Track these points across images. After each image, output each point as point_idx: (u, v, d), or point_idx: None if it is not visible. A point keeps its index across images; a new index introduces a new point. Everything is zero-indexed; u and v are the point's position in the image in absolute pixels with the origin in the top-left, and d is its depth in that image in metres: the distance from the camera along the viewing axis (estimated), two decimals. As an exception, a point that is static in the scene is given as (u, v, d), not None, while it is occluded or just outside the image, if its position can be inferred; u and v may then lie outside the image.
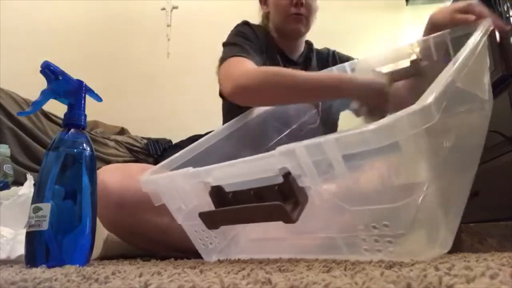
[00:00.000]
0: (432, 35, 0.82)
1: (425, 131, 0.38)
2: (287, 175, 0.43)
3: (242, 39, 1.01)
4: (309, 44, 1.17)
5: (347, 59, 1.12)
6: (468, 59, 0.52)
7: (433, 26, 0.83)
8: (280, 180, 0.43)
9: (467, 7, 0.76)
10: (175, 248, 0.74)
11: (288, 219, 0.42)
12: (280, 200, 0.42)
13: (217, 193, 0.50)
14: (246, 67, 0.89)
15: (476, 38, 0.59)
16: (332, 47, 1.19)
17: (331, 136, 0.40)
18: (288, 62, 1.10)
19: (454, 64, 0.47)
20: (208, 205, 0.51)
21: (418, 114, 0.36)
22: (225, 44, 1.03)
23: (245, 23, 1.09)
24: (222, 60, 0.97)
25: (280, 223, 0.43)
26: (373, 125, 0.37)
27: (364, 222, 0.43)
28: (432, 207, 0.41)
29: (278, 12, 1.07)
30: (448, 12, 0.79)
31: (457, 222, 0.48)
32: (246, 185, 0.47)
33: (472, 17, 0.73)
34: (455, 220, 0.47)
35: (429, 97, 0.37)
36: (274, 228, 0.53)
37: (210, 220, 0.50)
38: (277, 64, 1.06)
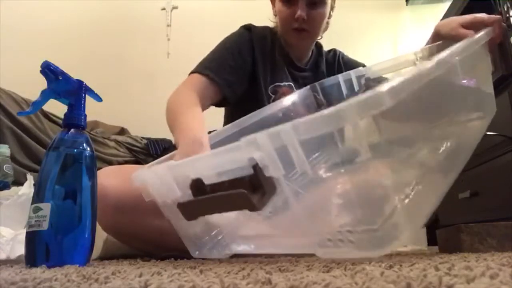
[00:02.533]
0: (437, 43, 0.82)
1: (377, 122, 0.38)
2: (255, 166, 0.44)
3: (223, 51, 1.00)
4: (318, 48, 1.15)
5: (352, 64, 1.11)
6: (451, 57, 0.53)
7: (437, 37, 0.84)
8: (251, 171, 0.44)
9: (472, 21, 0.77)
10: (174, 250, 0.74)
11: (252, 207, 0.43)
12: (249, 190, 0.43)
13: (196, 185, 0.51)
14: (185, 88, 0.94)
15: (469, 40, 0.60)
16: (333, 47, 1.19)
17: (288, 123, 0.40)
18: (294, 69, 1.08)
19: (433, 61, 0.48)
20: (189, 198, 0.52)
21: (367, 100, 0.37)
22: (211, 51, 1.03)
23: (246, 28, 1.07)
24: (191, 71, 0.99)
25: (265, 220, 0.44)
26: (325, 111, 0.38)
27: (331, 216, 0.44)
28: (403, 211, 0.41)
29: (281, 23, 1.05)
30: (453, 25, 0.79)
31: (425, 219, 0.48)
32: (225, 178, 0.48)
33: (473, 33, 0.74)
34: (424, 219, 0.47)
35: (385, 86, 0.38)
36: (260, 225, 0.54)
37: (186, 209, 0.51)
38: (280, 68, 1.05)
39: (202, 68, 0.97)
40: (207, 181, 0.50)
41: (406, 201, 0.42)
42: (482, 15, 0.77)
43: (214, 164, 0.49)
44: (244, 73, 1.01)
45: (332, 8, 1.06)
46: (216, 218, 0.57)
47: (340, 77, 1.01)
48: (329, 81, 1.02)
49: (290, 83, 1.05)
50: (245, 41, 1.03)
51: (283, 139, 0.41)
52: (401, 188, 0.42)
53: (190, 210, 0.51)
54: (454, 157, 0.57)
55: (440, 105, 0.57)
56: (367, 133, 0.39)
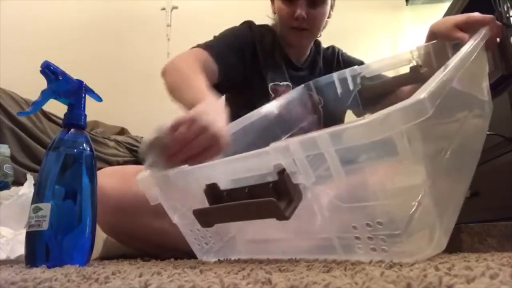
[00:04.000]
0: (432, 42, 0.83)
1: (420, 131, 0.37)
2: (281, 172, 0.42)
3: (224, 38, 1.00)
4: (316, 46, 1.14)
5: (350, 61, 1.11)
6: (464, 62, 0.53)
7: (432, 36, 0.84)
8: (275, 177, 0.43)
9: (467, 21, 0.77)
10: (175, 251, 0.74)
11: (281, 216, 0.41)
12: (274, 197, 0.42)
13: (211, 191, 0.49)
14: (188, 57, 0.91)
15: (472, 44, 0.60)
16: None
17: (325, 131, 0.40)
18: (292, 68, 1.08)
19: (447, 67, 0.47)
20: (203, 204, 0.50)
21: (411, 108, 0.36)
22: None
23: (247, 23, 1.07)
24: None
25: (278, 224, 0.43)
26: (366, 119, 0.37)
27: (358, 220, 0.43)
28: (428, 209, 0.41)
29: (280, 22, 1.05)
30: (448, 25, 0.79)
31: (453, 224, 0.48)
32: (242, 184, 0.47)
33: (467, 37, 0.74)
34: (450, 222, 0.47)
35: (423, 92, 0.37)
36: (270, 229, 0.53)
37: (204, 217, 0.49)
38: (279, 67, 1.05)
39: (205, 45, 0.96)
40: (223, 187, 0.49)
41: (423, 203, 0.41)
42: (476, 15, 0.77)
43: (232, 170, 0.48)
44: (244, 63, 1.01)
45: (332, 7, 1.06)
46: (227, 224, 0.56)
47: (335, 76, 1.01)
48: (324, 79, 1.02)
49: (288, 83, 1.05)
50: (247, 34, 1.04)
51: (320, 147, 0.40)
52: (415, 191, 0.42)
53: (207, 217, 0.49)
54: (460, 157, 0.57)
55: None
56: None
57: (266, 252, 0.55)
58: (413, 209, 0.41)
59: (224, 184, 0.49)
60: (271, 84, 1.02)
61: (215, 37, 1.02)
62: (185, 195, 0.54)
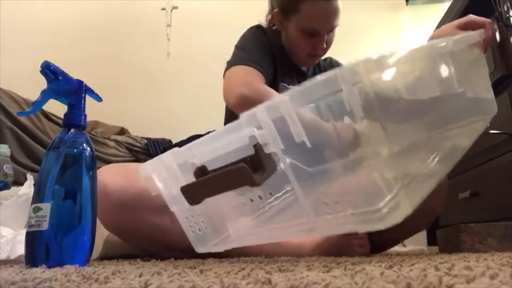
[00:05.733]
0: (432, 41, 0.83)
1: (369, 83, 0.38)
2: (256, 145, 0.44)
3: (254, 46, 1.02)
4: None
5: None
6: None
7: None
8: (253, 151, 0.44)
9: (466, 23, 0.78)
10: (176, 249, 0.74)
11: (252, 182, 0.43)
12: (250, 169, 0.43)
13: (200, 172, 0.51)
14: (250, 78, 0.91)
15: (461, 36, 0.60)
16: (333, 47, 1.19)
17: (286, 93, 0.41)
18: (298, 73, 1.11)
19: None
20: None
21: (362, 63, 0.37)
22: (237, 47, 1.03)
23: (259, 28, 1.09)
24: (230, 64, 0.98)
25: (270, 219, 0.44)
26: (319, 76, 0.38)
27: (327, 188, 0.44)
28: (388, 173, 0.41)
29: (297, 49, 1.06)
30: (449, 28, 0.81)
31: (419, 197, 0.47)
32: (228, 161, 0.49)
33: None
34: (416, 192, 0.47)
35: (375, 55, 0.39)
36: (264, 225, 0.55)
37: (189, 192, 0.51)
38: (288, 73, 1.07)
39: (246, 61, 0.97)
40: (210, 167, 0.51)
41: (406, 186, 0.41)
42: (476, 17, 0.78)
43: (217, 146, 0.49)
44: (272, 65, 1.03)
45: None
46: (225, 222, 0.57)
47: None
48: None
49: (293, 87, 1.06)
50: (264, 39, 1.06)
51: (281, 111, 0.41)
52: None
53: (193, 193, 0.51)
54: (451, 156, 0.57)
55: (441, 113, 0.57)
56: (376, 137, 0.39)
57: (257, 239, 0.57)
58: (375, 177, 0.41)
59: (212, 165, 0.51)
60: (281, 84, 1.04)
61: (243, 49, 1.02)
62: (179, 177, 0.55)
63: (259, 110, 0.43)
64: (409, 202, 0.40)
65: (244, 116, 0.45)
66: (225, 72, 1.00)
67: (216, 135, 0.50)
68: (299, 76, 1.10)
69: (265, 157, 0.44)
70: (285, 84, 1.08)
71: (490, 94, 0.76)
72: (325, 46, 1.03)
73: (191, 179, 0.52)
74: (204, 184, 0.49)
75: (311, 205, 0.46)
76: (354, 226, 0.43)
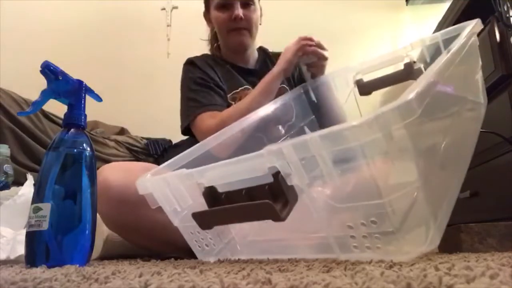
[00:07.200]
0: (425, 36, 0.83)
1: (408, 130, 0.38)
2: (276, 174, 0.43)
3: (199, 87, 1.05)
4: (263, 50, 1.21)
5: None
6: (452, 60, 0.53)
7: None
8: (271, 179, 0.44)
9: None
10: (176, 246, 0.74)
11: (277, 218, 0.42)
12: (270, 199, 0.43)
13: (210, 193, 0.50)
14: (213, 120, 0.97)
15: (461, 39, 0.60)
16: (333, 47, 1.19)
17: (316, 133, 0.40)
18: (243, 72, 1.13)
19: (437, 64, 0.48)
20: (202, 206, 0.51)
21: (400, 108, 0.36)
22: (182, 97, 1.07)
23: (188, 63, 1.13)
24: (187, 118, 1.03)
25: (276, 225, 0.43)
26: (355, 121, 0.37)
27: (353, 219, 0.43)
28: (422, 206, 0.41)
29: (220, 28, 1.12)
30: None
31: (447, 220, 0.48)
32: (240, 186, 0.48)
33: None
34: (444, 218, 0.48)
35: (410, 93, 0.37)
36: (269, 230, 0.53)
37: (203, 220, 0.50)
38: (232, 76, 1.10)
39: (199, 109, 1.02)
40: (221, 190, 0.50)
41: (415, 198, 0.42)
42: None
43: (229, 172, 0.48)
44: (218, 88, 1.07)
45: (260, 9, 1.14)
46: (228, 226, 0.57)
47: (330, 77, 1.02)
48: (320, 80, 1.04)
49: (246, 86, 1.09)
50: (198, 71, 1.09)
51: (311, 150, 0.40)
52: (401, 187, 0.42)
53: (206, 219, 0.50)
54: (454, 152, 0.57)
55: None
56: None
57: (265, 252, 0.55)
58: (407, 207, 0.41)
59: (221, 187, 0.50)
60: (229, 95, 1.07)
61: (187, 98, 1.06)
62: (184, 197, 0.54)
63: (285, 146, 0.42)
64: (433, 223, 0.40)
65: (267, 148, 0.44)
66: (188, 124, 1.04)
67: (232, 162, 0.48)
68: (247, 74, 1.13)
69: (287, 188, 0.43)
70: (285, 86, 1.09)
71: (481, 84, 0.75)
72: (243, 17, 1.06)
73: (196, 198, 0.51)
74: (221, 212, 0.48)
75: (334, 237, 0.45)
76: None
